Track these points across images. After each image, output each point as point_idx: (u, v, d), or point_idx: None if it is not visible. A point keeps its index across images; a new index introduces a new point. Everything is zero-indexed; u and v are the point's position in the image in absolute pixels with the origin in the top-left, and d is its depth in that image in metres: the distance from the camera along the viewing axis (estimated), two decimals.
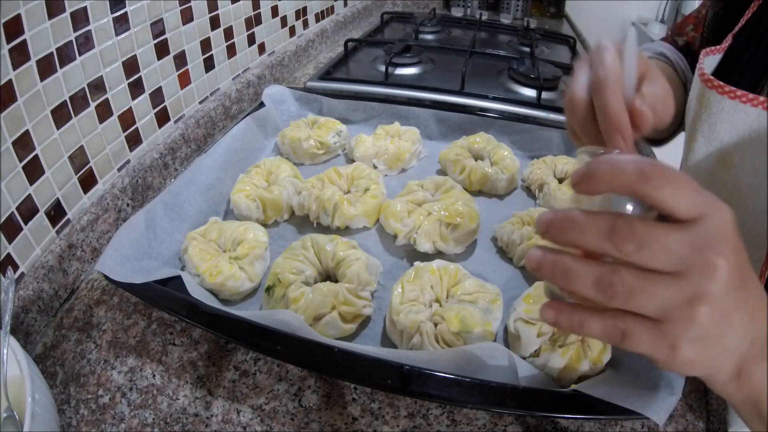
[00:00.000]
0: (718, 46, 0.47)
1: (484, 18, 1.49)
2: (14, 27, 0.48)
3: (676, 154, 0.68)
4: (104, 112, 0.61)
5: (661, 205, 0.24)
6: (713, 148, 0.44)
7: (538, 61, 1.02)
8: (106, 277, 0.48)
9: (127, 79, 0.64)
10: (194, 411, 0.44)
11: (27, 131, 0.50)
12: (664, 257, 0.24)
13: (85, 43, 0.57)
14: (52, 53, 0.52)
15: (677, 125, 0.62)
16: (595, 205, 0.28)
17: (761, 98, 0.40)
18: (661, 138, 0.64)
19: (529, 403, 0.38)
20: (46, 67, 0.52)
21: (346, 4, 1.37)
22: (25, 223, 0.51)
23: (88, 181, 0.60)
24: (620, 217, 0.24)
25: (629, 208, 0.27)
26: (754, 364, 0.26)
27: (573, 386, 0.41)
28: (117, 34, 0.61)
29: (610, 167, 0.24)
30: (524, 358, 0.46)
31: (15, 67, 0.48)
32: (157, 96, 0.71)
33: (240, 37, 0.90)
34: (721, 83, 0.42)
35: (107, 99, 0.62)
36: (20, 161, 0.50)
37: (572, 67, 0.40)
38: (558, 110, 0.88)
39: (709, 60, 0.47)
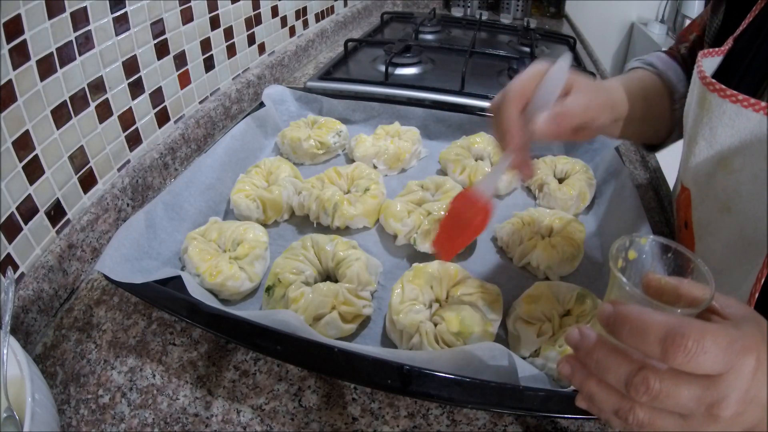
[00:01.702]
0: (717, 49, 0.47)
1: (484, 18, 1.49)
2: (14, 27, 0.48)
3: (675, 154, 0.68)
4: (104, 112, 0.61)
5: (686, 371, 0.25)
6: (714, 151, 0.44)
7: None
8: (106, 277, 0.48)
9: (127, 79, 0.64)
10: (194, 411, 0.44)
11: (27, 131, 0.50)
12: (674, 408, 0.26)
13: (85, 43, 0.57)
14: (52, 53, 0.52)
15: (667, 133, 0.62)
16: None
17: (763, 103, 0.39)
18: (656, 144, 0.65)
19: (529, 403, 0.38)
20: (46, 67, 0.52)
21: (346, 4, 1.37)
22: (25, 223, 0.51)
23: (88, 181, 0.60)
24: (639, 371, 0.26)
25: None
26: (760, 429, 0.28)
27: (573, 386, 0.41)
28: (117, 34, 0.61)
29: (635, 333, 0.26)
30: (524, 358, 0.46)
31: (15, 67, 0.48)
32: (157, 96, 0.71)
33: (240, 37, 0.90)
34: (723, 86, 0.42)
35: (107, 99, 0.62)
36: (20, 161, 0.50)
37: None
38: None
39: (708, 62, 0.46)
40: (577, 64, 1.19)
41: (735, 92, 0.41)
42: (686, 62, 0.62)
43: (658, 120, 0.60)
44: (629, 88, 0.55)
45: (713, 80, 0.43)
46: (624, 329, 0.26)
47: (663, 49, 0.63)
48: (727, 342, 0.25)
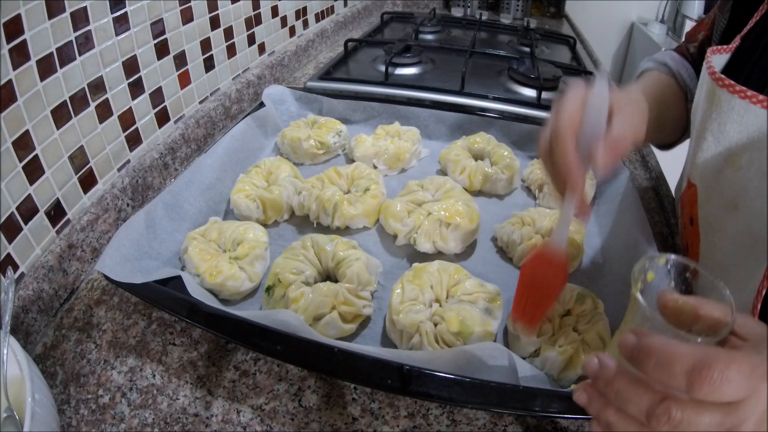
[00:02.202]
0: (725, 46, 0.47)
1: (484, 18, 1.49)
2: (14, 27, 0.48)
3: (676, 153, 0.68)
4: (104, 112, 0.61)
5: (709, 400, 0.25)
6: (721, 147, 0.44)
7: (538, 61, 1.03)
8: (106, 277, 0.48)
9: (127, 79, 0.64)
10: (194, 411, 0.44)
11: (27, 131, 0.50)
12: None
13: (85, 43, 0.57)
14: (52, 53, 0.52)
15: (682, 132, 0.62)
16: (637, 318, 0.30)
17: None
18: (668, 143, 0.65)
19: (529, 403, 0.38)
20: (46, 67, 0.52)
21: (346, 4, 1.37)
22: (25, 223, 0.51)
23: (88, 181, 0.60)
24: (661, 402, 0.26)
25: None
26: None
27: (573, 386, 0.41)
28: (117, 34, 0.61)
29: (661, 366, 0.25)
30: (524, 358, 0.46)
31: (15, 67, 0.48)
32: (157, 96, 0.71)
33: (240, 37, 0.90)
34: (732, 82, 0.42)
35: (107, 99, 0.62)
36: (20, 161, 0.50)
37: (565, 83, 0.46)
38: None
39: (716, 59, 0.46)
40: (577, 63, 1.19)
41: (744, 88, 0.41)
42: (695, 61, 0.62)
43: (675, 121, 0.61)
44: (647, 94, 0.53)
45: (722, 76, 0.43)
46: (650, 362, 0.26)
47: (664, 49, 0.63)
48: (750, 369, 0.25)
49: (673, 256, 0.32)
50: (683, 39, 0.66)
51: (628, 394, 0.27)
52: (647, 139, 0.56)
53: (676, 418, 0.25)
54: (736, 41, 0.46)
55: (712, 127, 0.45)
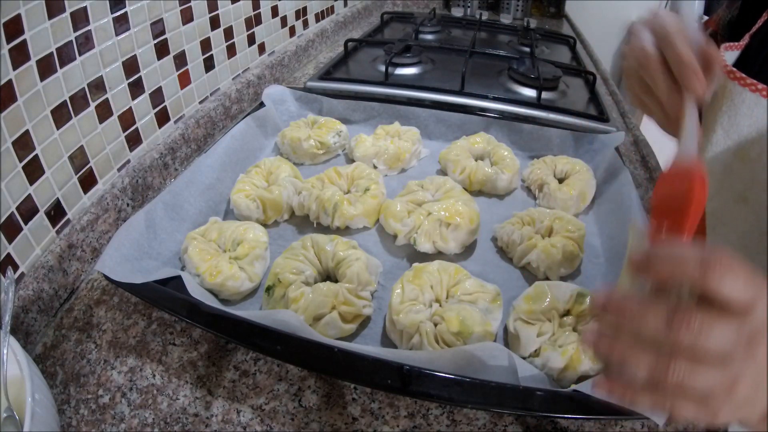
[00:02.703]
0: (736, 43, 0.47)
1: (484, 18, 1.49)
2: (14, 27, 0.48)
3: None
4: (104, 112, 0.61)
5: (718, 297, 0.26)
6: (732, 141, 0.44)
7: (538, 61, 1.03)
8: (106, 277, 0.48)
9: (127, 79, 0.64)
10: (194, 411, 0.44)
11: (27, 131, 0.50)
12: (713, 350, 0.26)
13: (85, 43, 0.57)
14: (52, 53, 0.52)
15: None
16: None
17: None
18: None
19: (529, 403, 0.38)
20: (46, 67, 0.52)
21: (346, 4, 1.37)
22: (25, 223, 0.51)
23: (88, 181, 0.60)
24: (677, 313, 0.26)
25: None
26: None
27: (573, 386, 0.41)
28: (117, 34, 0.61)
29: (674, 258, 0.26)
30: (524, 358, 0.46)
31: (15, 67, 0.48)
32: (157, 96, 0.71)
33: (240, 37, 0.90)
34: (743, 75, 0.43)
35: (107, 99, 0.62)
36: (20, 161, 0.50)
37: (629, 33, 0.44)
38: (558, 110, 0.88)
39: (728, 55, 0.47)
40: (577, 63, 1.19)
41: (754, 81, 0.42)
42: None
43: None
44: None
45: (733, 68, 0.44)
46: (662, 261, 0.27)
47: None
48: (751, 271, 0.26)
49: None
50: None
51: (642, 313, 0.27)
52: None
53: (696, 321, 0.25)
54: (746, 39, 0.47)
55: (722, 120, 0.45)
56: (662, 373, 0.26)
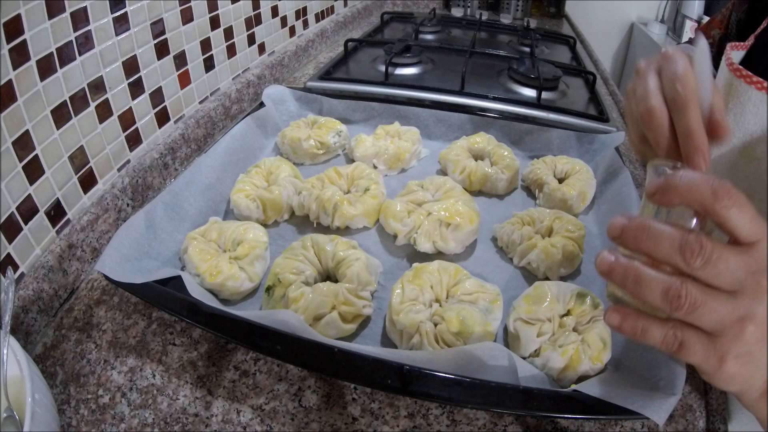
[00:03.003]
0: (742, 43, 0.48)
1: (484, 18, 1.49)
2: (14, 27, 0.48)
3: None
4: (104, 112, 0.61)
5: (727, 224, 0.27)
6: (737, 139, 0.45)
7: (538, 61, 1.03)
8: (106, 277, 0.48)
9: (127, 79, 0.64)
10: (194, 411, 0.44)
11: (27, 131, 0.50)
12: (726, 276, 0.26)
13: (85, 43, 0.57)
14: (52, 53, 0.52)
15: None
16: (662, 216, 0.31)
17: None
18: None
19: (529, 403, 0.38)
20: (46, 67, 0.52)
21: (346, 4, 1.37)
22: (25, 223, 0.51)
23: (88, 181, 0.60)
24: (691, 233, 0.27)
25: (693, 222, 0.30)
26: None
27: (573, 386, 0.41)
28: (117, 34, 0.61)
29: (688, 183, 0.27)
30: (524, 358, 0.46)
31: (15, 67, 0.48)
32: (157, 96, 0.71)
33: (240, 37, 0.90)
34: (749, 73, 0.43)
35: (107, 99, 0.62)
36: (20, 161, 0.50)
37: (637, 69, 0.38)
38: (558, 110, 0.88)
39: (735, 54, 0.47)
40: (577, 63, 1.19)
41: (760, 79, 0.42)
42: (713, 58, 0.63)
43: None
44: None
45: (740, 66, 0.44)
46: (676, 191, 0.27)
47: (663, 49, 0.64)
48: (754, 210, 0.26)
49: (679, 163, 0.33)
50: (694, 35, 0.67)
51: (658, 231, 0.27)
52: None
53: (707, 247, 0.26)
54: (751, 39, 0.47)
55: (728, 118, 0.45)
56: (675, 295, 0.26)
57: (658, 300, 0.27)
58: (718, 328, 0.27)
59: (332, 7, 1.28)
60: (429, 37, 1.31)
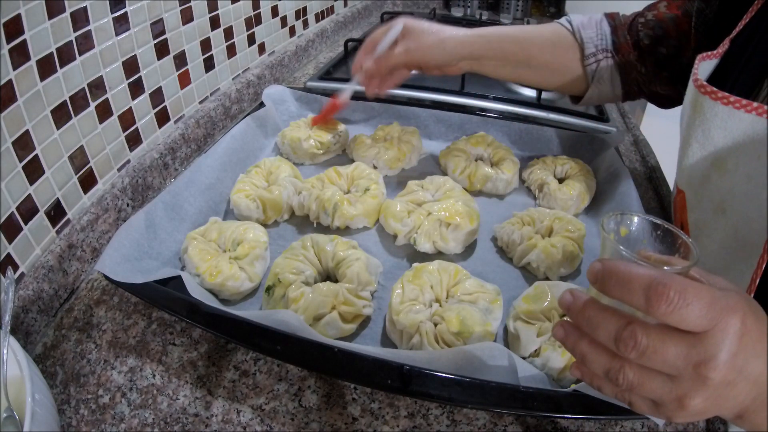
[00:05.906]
0: (714, 51, 0.47)
1: (484, 18, 1.49)
2: (14, 27, 0.48)
3: (674, 153, 0.68)
4: (104, 112, 0.61)
5: (667, 323, 0.26)
6: (707, 153, 0.45)
7: None
8: (106, 277, 0.48)
9: (127, 79, 0.64)
10: (194, 411, 0.44)
11: (27, 131, 0.50)
12: (662, 366, 0.27)
13: (85, 43, 0.57)
14: (52, 53, 0.52)
15: (585, 87, 0.67)
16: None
17: (755, 104, 0.40)
18: (577, 96, 0.70)
19: (529, 403, 0.38)
20: (46, 67, 0.52)
21: (346, 4, 1.37)
22: (25, 223, 0.51)
23: (88, 181, 0.60)
24: (628, 325, 0.27)
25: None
26: (754, 414, 0.28)
27: (573, 386, 0.41)
28: (117, 34, 0.61)
29: (621, 284, 0.27)
30: (524, 358, 0.46)
31: (15, 67, 0.48)
32: (157, 96, 0.71)
33: (240, 37, 0.90)
34: (714, 89, 0.43)
35: (107, 99, 0.62)
36: (20, 161, 0.50)
37: None
38: (558, 110, 0.88)
39: (705, 65, 0.47)
40: None
41: (726, 94, 0.42)
42: (647, 30, 0.62)
43: (568, 69, 0.67)
44: (528, 35, 0.68)
45: (705, 83, 0.44)
46: (611, 281, 0.27)
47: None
48: (710, 298, 0.25)
49: (644, 215, 0.33)
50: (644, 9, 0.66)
51: (597, 320, 0.28)
52: (536, 79, 0.69)
53: (642, 342, 0.26)
54: (725, 45, 0.46)
55: (697, 134, 0.45)
56: (614, 378, 0.28)
57: (601, 376, 0.29)
58: (659, 402, 0.28)
59: (332, 7, 1.28)
60: None
